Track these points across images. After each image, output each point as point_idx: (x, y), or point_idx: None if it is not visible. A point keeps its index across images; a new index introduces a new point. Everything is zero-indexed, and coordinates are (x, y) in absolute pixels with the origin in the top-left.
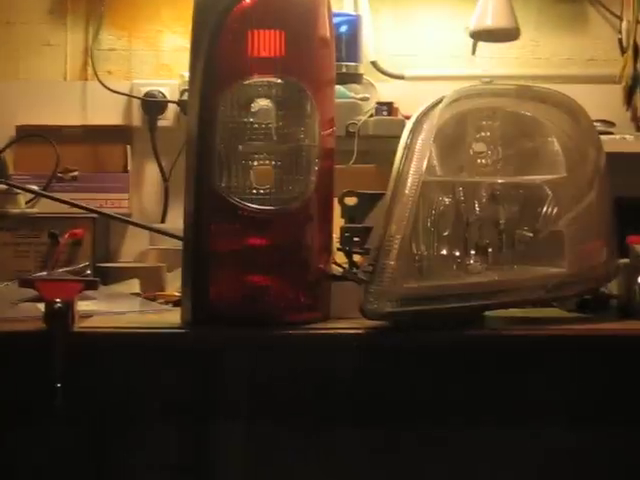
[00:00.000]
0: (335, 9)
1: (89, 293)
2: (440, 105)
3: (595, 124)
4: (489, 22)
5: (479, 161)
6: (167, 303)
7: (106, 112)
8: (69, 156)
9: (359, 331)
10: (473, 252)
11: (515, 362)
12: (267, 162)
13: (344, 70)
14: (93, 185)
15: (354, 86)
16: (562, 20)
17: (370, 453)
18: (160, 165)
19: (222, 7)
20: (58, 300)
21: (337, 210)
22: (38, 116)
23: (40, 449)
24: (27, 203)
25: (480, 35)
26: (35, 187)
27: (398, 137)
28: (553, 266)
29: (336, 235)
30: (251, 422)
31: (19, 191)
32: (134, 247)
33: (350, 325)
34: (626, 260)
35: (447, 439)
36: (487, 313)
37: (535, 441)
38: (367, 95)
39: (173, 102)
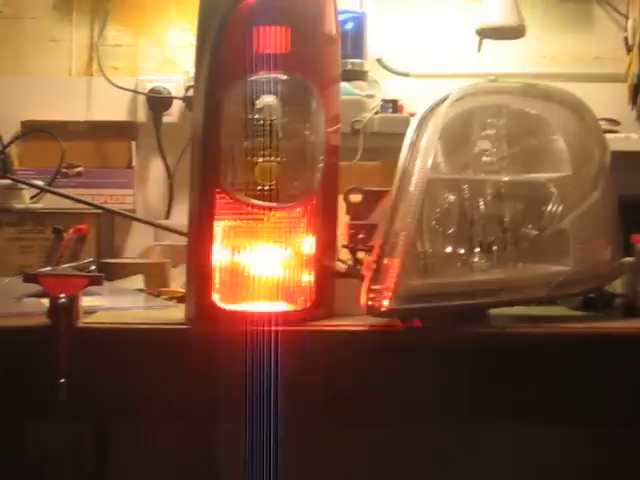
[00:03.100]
0: (341, 6)
1: (93, 289)
2: (445, 102)
3: (600, 122)
4: (495, 20)
5: (484, 159)
6: (171, 299)
7: (111, 108)
8: (74, 151)
9: (363, 328)
10: (478, 250)
11: (519, 360)
12: (272, 159)
13: (349, 67)
14: (98, 181)
15: (359, 83)
16: (568, 18)
17: (374, 451)
18: (165, 161)
19: (228, 3)
20: (62, 295)
21: (342, 207)
22: (43, 111)
23: (43, 445)
24: (32, 198)
25: (486, 32)
26: (40, 182)
27: (403, 134)
28: (557, 264)
29: (341, 232)
30: (254, 420)
31: (24, 186)
32: (138, 243)
33: (354, 322)
34: (630, 259)
35: (450, 437)
36: (491, 311)
37: (538, 440)
38: (372, 92)
39: (178, 98)
